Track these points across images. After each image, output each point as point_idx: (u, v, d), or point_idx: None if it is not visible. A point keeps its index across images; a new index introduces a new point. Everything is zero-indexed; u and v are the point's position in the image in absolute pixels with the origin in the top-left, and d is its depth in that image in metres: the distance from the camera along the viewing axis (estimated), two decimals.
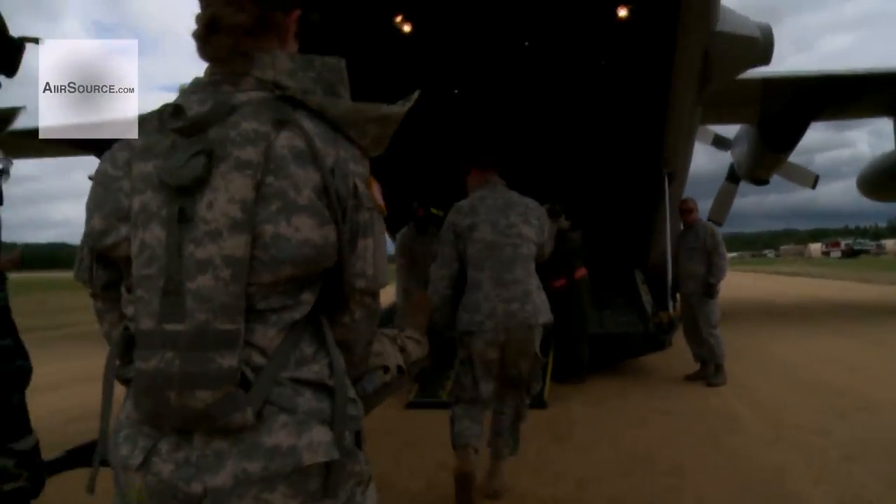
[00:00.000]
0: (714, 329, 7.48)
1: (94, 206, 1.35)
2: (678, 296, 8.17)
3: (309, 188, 1.26)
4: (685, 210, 7.90)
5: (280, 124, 1.28)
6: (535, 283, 3.94)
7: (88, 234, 1.36)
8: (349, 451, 1.32)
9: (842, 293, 21.65)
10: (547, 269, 4.95)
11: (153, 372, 1.21)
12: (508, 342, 3.82)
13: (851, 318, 13.93)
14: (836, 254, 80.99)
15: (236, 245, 1.21)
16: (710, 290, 7.51)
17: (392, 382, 2.84)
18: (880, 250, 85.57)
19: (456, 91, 9.18)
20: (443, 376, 6.99)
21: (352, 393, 1.39)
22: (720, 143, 20.31)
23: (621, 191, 9.16)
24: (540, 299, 3.94)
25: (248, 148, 1.24)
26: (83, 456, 2.64)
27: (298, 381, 1.28)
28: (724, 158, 20.11)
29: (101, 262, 1.41)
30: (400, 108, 1.42)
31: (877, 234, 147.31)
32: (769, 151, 16.85)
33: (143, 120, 1.36)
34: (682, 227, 8.05)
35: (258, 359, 1.24)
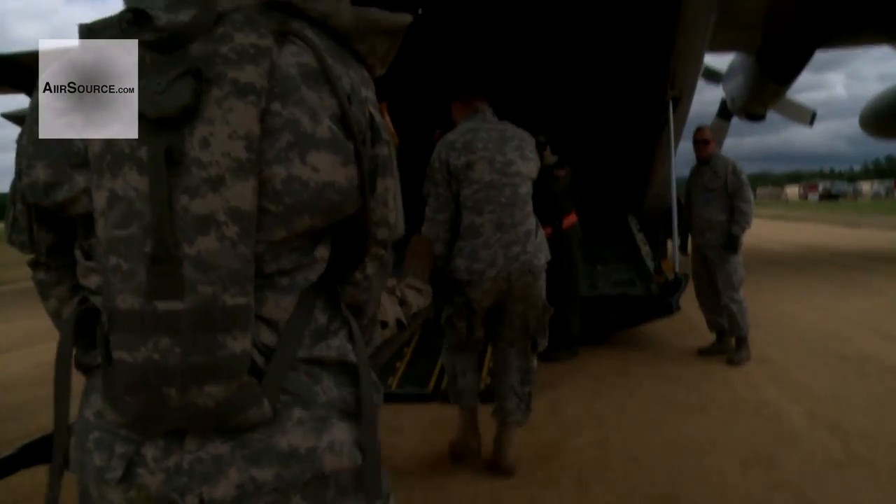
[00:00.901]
0: (736, 293, 5.97)
1: (35, 150, 1.06)
2: (688, 247, 6.66)
3: (327, 117, 1.04)
4: (700, 141, 6.25)
5: (282, 36, 1.05)
6: (533, 221, 3.64)
7: (30, 188, 1.07)
8: (376, 451, 1.13)
9: (832, 239, 20.34)
10: None
11: (143, 365, 0.97)
12: (512, 290, 3.55)
13: (855, 268, 12.54)
14: (813, 197, 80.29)
15: (243, 193, 0.97)
16: (732, 244, 5.95)
17: (392, 339, 2.68)
18: (857, 193, 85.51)
19: (420, 10, 7.36)
20: (394, 363, 5.56)
21: (373, 375, 1.18)
22: (710, 76, 18.82)
23: (617, 118, 7.48)
24: (540, 238, 3.65)
25: (248, 67, 0.99)
26: (40, 452, 2.11)
27: (315, 363, 1.09)
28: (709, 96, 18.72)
29: (44, 220, 1.13)
30: (406, 18, 1.22)
31: (852, 177, 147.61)
32: (769, 82, 15.39)
33: (94, 31, 1.06)
34: (695, 163, 6.47)
35: (268, 336, 1.04)
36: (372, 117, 1.15)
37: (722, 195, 6.04)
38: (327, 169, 1.04)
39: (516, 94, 7.21)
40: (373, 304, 1.28)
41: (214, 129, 0.97)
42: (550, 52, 7.09)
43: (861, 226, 26.08)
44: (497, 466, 3.73)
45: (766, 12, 13.12)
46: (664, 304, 6.30)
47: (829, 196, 77.23)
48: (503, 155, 3.56)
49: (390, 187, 1.18)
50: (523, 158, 3.63)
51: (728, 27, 12.67)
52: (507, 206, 3.53)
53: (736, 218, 5.96)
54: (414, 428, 4.49)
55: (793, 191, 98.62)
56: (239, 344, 0.98)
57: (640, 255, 7.39)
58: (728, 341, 6.16)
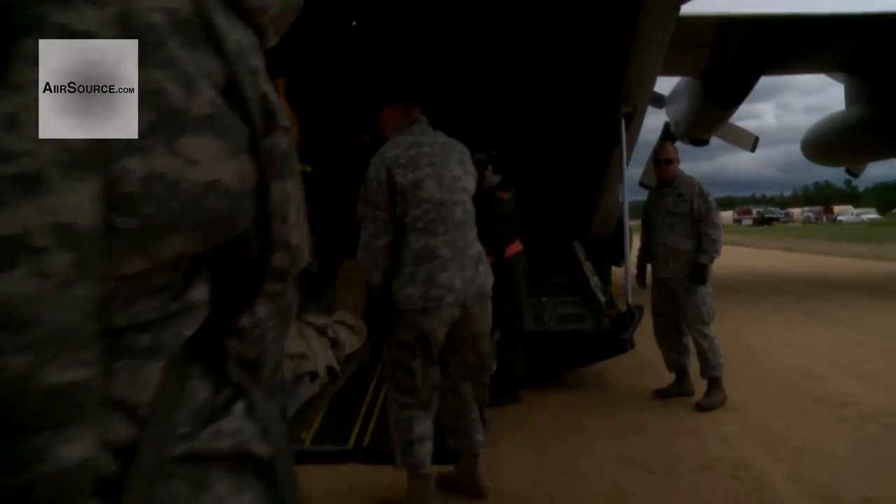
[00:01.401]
0: (706, 327, 5.32)
1: None
2: (646, 277, 6.01)
3: (208, 86, 0.72)
4: (664, 160, 5.61)
5: None
6: (479, 244, 3.45)
7: None
8: None
9: (776, 264, 20.32)
10: None
11: None
12: (465, 318, 3.27)
13: (807, 295, 12.26)
14: (747, 221, 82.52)
15: (77, 201, 0.61)
16: (700, 274, 5.29)
17: (323, 392, 2.36)
18: (788, 218, 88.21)
19: (354, 23, 6.60)
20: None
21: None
22: (653, 100, 18.63)
23: (565, 134, 6.84)
24: (486, 261, 3.48)
25: (84, 8, 0.64)
26: None
27: (200, 459, 0.73)
28: (650, 122, 18.51)
29: None
30: None
31: (783, 203, 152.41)
32: (714, 107, 15.22)
33: None
34: (656, 184, 5.85)
35: (123, 429, 0.68)
36: (265, 95, 0.81)
37: (687, 220, 5.40)
38: (209, 161, 0.69)
39: (454, 107, 6.51)
40: (270, 360, 0.92)
41: (28, 101, 0.61)
42: (492, 62, 6.39)
43: (798, 250, 26.34)
44: (478, 495, 3.58)
45: (713, 35, 12.88)
46: (618, 340, 5.61)
47: (762, 221, 79.33)
48: (449, 170, 3.30)
49: (291, 194, 0.85)
50: (466, 173, 3.40)
51: (673, 49, 12.39)
52: (459, 226, 3.28)
53: (703, 246, 5.31)
54: (330, 497, 3.68)
55: (727, 215, 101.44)
56: (77, 448, 0.60)
57: (588, 287, 6.72)
58: (688, 383, 5.51)
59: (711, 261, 5.33)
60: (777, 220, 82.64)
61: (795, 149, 19.21)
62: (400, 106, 3.42)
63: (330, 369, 2.58)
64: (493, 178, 5.67)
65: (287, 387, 1.96)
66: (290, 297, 0.93)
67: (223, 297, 0.83)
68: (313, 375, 2.25)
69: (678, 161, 5.64)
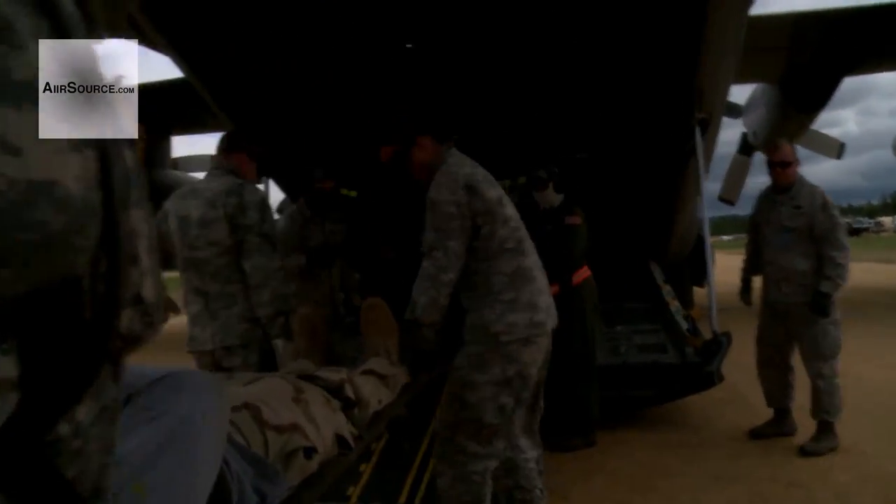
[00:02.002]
0: (826, 364, 4.51)
1: None
2: (751, 293, 5.26)
3: (35, 42, 0.54)
4: (778, 162, 4.74)
5: None
6: None
7: None
8: None
9: (871, 277, 18.96)
10: None
11: None
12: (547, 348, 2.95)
13: None
14: None
15: None
16: (820, 304, 4.45)
17: (325, 471, 1.89)
18: (879, 227, 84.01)
19: (409, 45, 6.22)
20: (358, 465, 4.27)
21: None
22: (729, 109, 17.72)
23: (635, 147, 6.25)
24: None
25: None
26: None
27: None
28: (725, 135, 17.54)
29: None
30: None
31: (871, 212, 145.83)
32: (794, 112, 14.23)
33: None
34: (769, 189, 4.94)
35: None
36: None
37: (805, 237, 4.57)
38: (40, 151, 0.50)
39: (512, 121, 6.04)
40: (88, 481, 0.64)
41: None
42: (552, 69, 5.88)
43: (895, 261, 24.76)
44: None
45: (789, 36, 12.06)
46: (704, 373, 4.97)
47: (851, 232, 75.79)
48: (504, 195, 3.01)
49: (140, 229, 0.64)
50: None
51: (747, 54, 11.61)
52: (536, 246, 3.03)
53: (826, 271, 4.45)
54: None
55: None
56: None
57: (669, 313, 6.07)
58: (789, 421, 4.82)
59: (836, 289, 4.47)
60: (866, 230, 78.78)
61: (881, 155, 18.15)
62: (436, 138, 3.08)
63: (340, 439, 2.10)
64: (555, 198, 5.15)
65: (268, 470, 1.50)
66: (115, 390, 0.66)
67: (33, 389, 0.56)
68: (309, 451, 1.78)
69: (798, 163, 4.77)
